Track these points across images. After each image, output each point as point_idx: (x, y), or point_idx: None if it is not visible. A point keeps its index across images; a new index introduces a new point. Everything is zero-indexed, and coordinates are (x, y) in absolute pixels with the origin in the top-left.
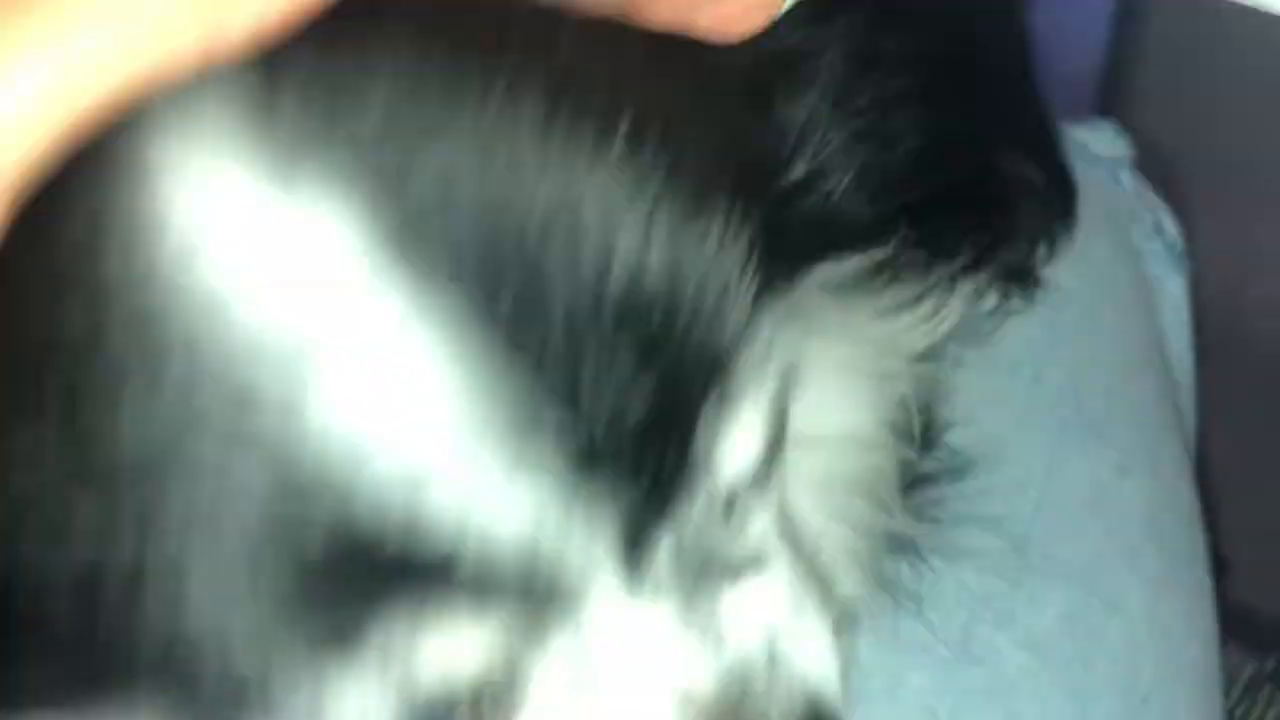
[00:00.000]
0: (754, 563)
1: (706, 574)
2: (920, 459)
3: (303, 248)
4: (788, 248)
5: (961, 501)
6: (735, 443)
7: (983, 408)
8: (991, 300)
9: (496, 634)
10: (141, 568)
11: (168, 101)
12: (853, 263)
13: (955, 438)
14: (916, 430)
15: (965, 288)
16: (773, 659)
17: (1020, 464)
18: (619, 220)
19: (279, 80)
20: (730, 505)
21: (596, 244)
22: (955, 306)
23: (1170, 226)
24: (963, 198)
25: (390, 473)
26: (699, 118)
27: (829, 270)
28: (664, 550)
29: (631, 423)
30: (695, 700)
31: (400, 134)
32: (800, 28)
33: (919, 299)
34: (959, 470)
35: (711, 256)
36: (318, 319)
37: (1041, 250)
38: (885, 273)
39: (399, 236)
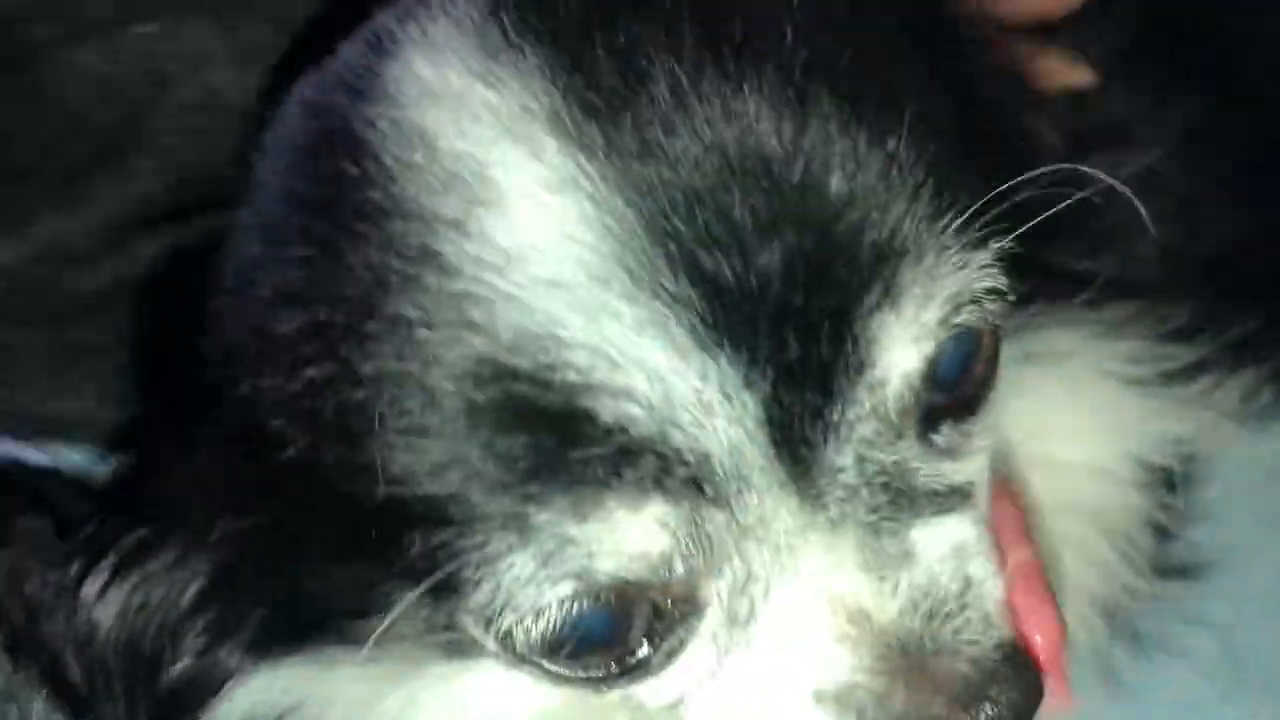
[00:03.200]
0: (958, 496)
1: (900, 499)
2: (1167, 544)
3: (500, 119)
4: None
5: (1191, 600)
6: (897, 345)
7: (1231, 509)
8: (1264, 398)
9: (668, 534)
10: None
11: None
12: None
13: (1200, 533)
14: (1176, 503)
15: (1241, 381)
16: (965, 585)
17: (1257, 575)
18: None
19: None
20: (927, 434)
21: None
22: (1231, 387)
23: None
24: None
25: (576, 361)
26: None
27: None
28: (848, 466)
29: (773, 286)
30: (874, 623)
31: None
32: (1141, 93)
33: (1200, 365)
34: (1196, 569)
35: (882, 146)
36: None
37: None
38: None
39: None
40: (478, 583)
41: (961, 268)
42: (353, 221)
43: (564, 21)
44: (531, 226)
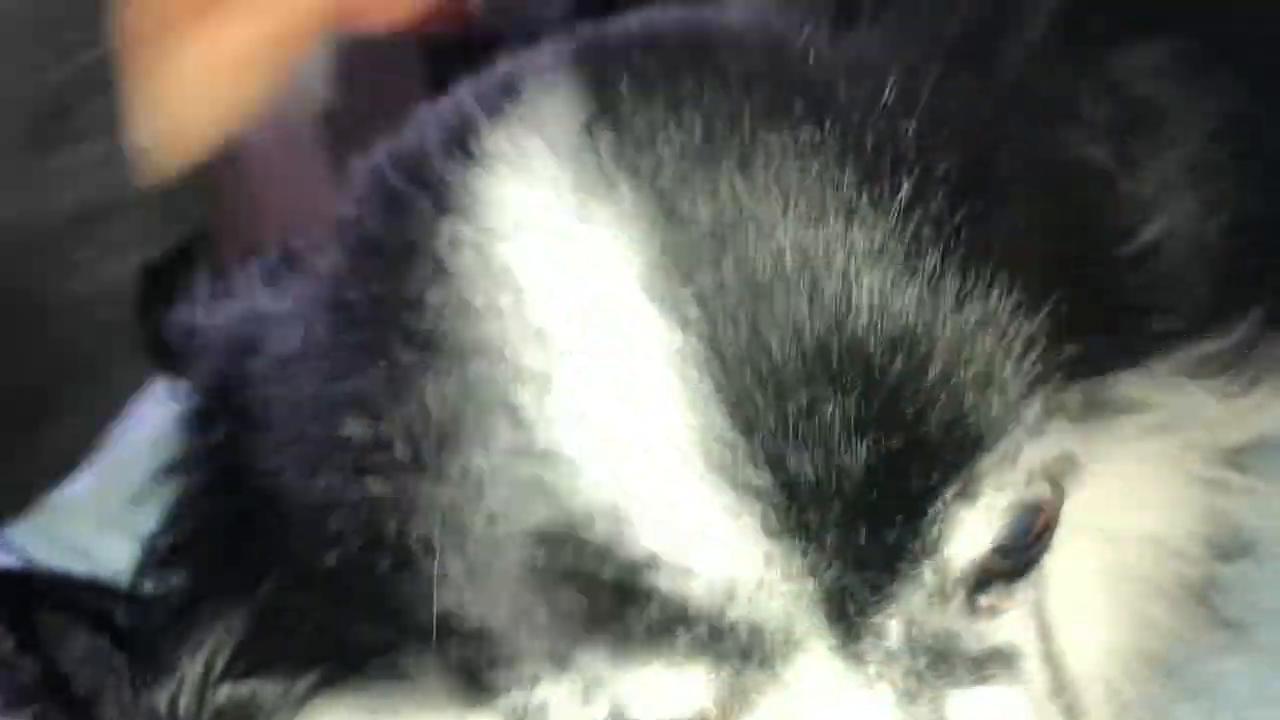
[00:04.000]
0: (999, 661)
1: (940, 664)
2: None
3: (592, 269)
4: (1116, 331)
5: (1261, 593)
6: (968, 531)
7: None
8: None
9: (704, 683)
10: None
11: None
12: (1190, 350)
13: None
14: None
15: None
16: None
17: None
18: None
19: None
20: (973, 596)
21: (850, 292)
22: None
23: None
24: None
25: (643, 536)
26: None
27: (1168, 358)
28: (893, 631)
29: (853, 482)
30: None
31: (704, 162)
32: (1168, 81)
33: (1250, 384)
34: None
35: (985, 329)
36: (598, 348)
37: None
38: (1224, 360)
39: (674, 264)
40: (509, 688)
41: (1038, 440)
42: (429, 349)
43: (665, 158)
44: (615, 395)
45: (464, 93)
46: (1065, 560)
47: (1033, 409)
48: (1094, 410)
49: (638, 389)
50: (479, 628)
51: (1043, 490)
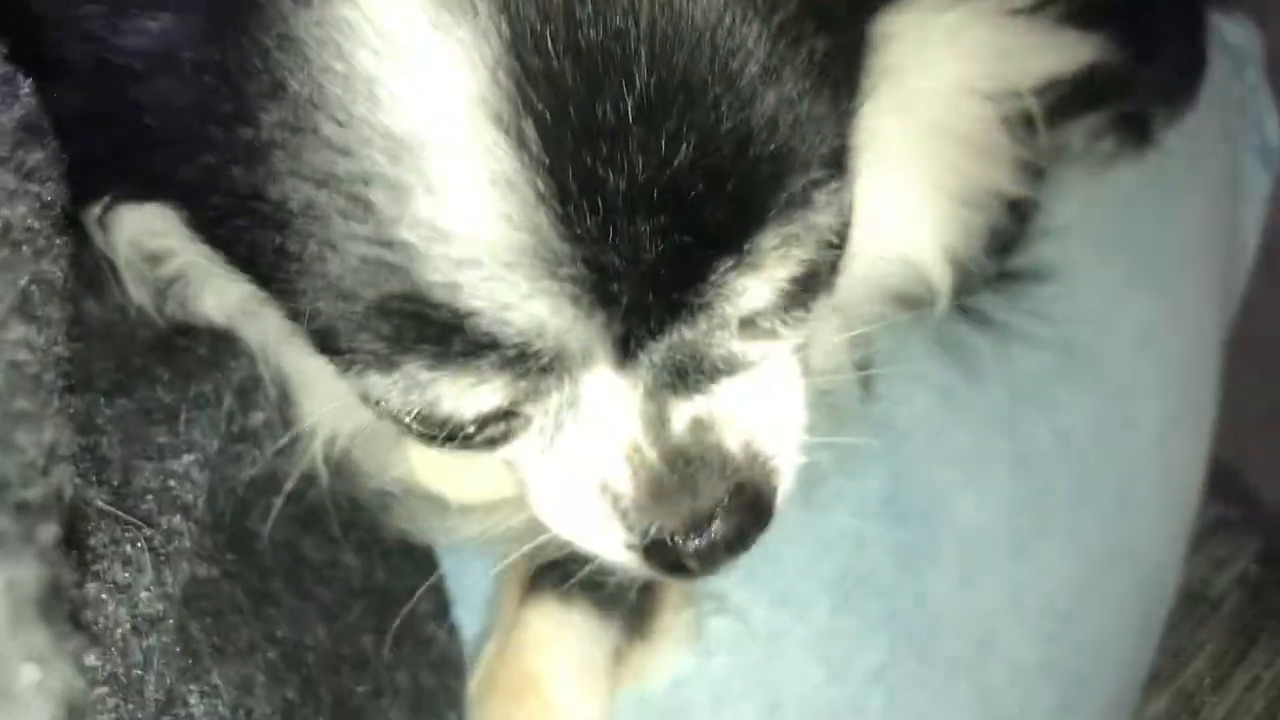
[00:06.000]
0: (749, 367)
1: (700, 371)
2: (1014, 249)
3: (442, 79)
4: None
5: (1035, 300)
6: (746, 294)
7: (1074, 235)
8: (1108, 144)
9: (505, 389)
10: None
11: None
12: None
13: (1045, 249)
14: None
15: (1086, 123)
16: (733, 432)
17: (1091, 289)
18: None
19: None
20: (747, 329)
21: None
22: (1083, 44)
23: (1273, 129)
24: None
25: (452, 263)
26: None
27: None
28: (667, 351)
29: (648, 261)
30: (646, 457)
31: None
32: None
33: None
34: (1041, 275)
35: (775, 125)
36: (436, 119)
37: (1163, 112)
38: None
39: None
40: (347, 367)
41: (819, 213)
42: (294, 132)
43: None
44: (455, 193)
45: None
46: (883, 125)
47: (812, 190)
48: None
49: (475, 188)
50: (328, 325)
51: (821, 254)
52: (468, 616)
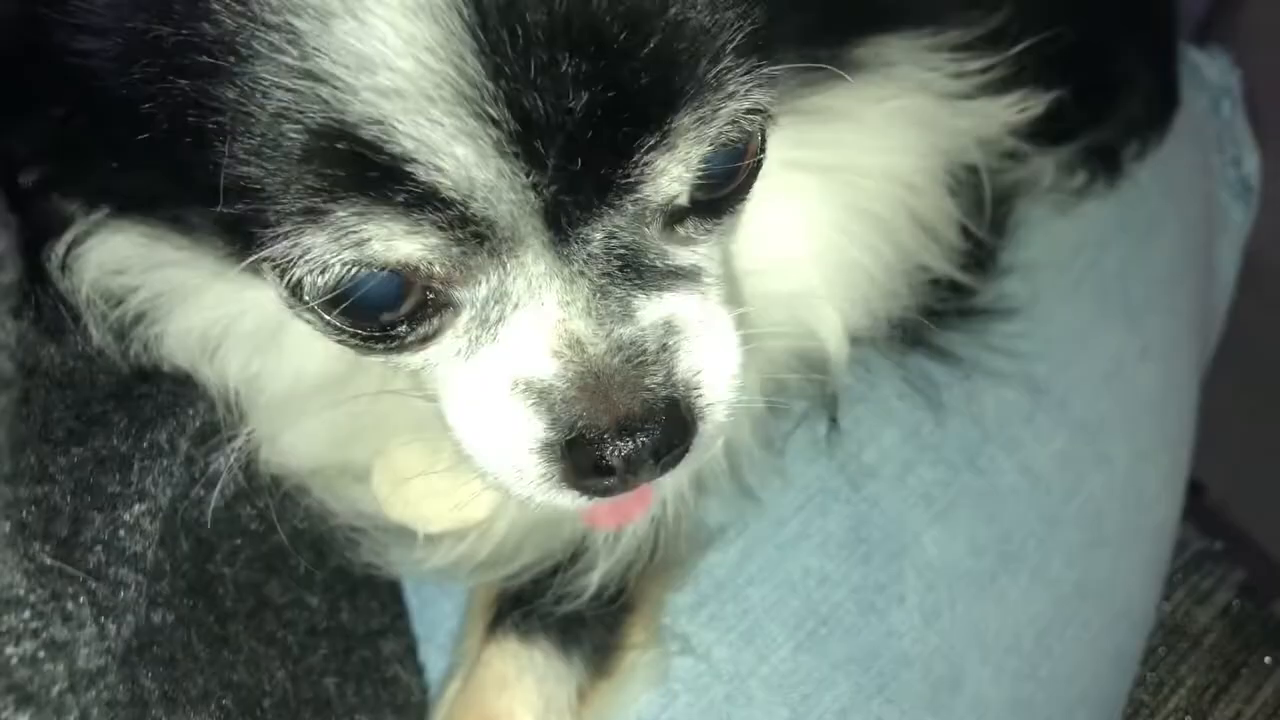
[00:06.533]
0: (683, 276)
1: (632, 272)
2: (980, 286)
3: None
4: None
5: (1001, 337)
6: (666, 174)
7: (1041, 270)
8: (1079, 178)
9: (429, 246)
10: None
11: None
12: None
13: (1011, 285)
14: (987, 217)
15: (1056, 156)
16: (662, 348)
17: (1060, 325)
18: None
19: None
20: (672, 226)
21: None
22: (1033, 99)
23: (1250, 163)
24: (1080, 70)
25: (377, 95)
26: None
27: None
28: (597, 241)
29: (574, 123)
30: (584, 352)
31: None
32: None
33: (1003, 84)
34: (1007, 312)
35: (701, 9)
36: None
37: (1133, 146)
38: (972, 48)
39: None
40: (277, 239)
41: (735, 97)
42: None
43: None
44: (385, 32)
45: None
46: (809, 196)
47: (735, 75)
48: (839, 66)
49: (407, 30)
50: (257, 191)
51: (740, 135)
52: (434, 654)
